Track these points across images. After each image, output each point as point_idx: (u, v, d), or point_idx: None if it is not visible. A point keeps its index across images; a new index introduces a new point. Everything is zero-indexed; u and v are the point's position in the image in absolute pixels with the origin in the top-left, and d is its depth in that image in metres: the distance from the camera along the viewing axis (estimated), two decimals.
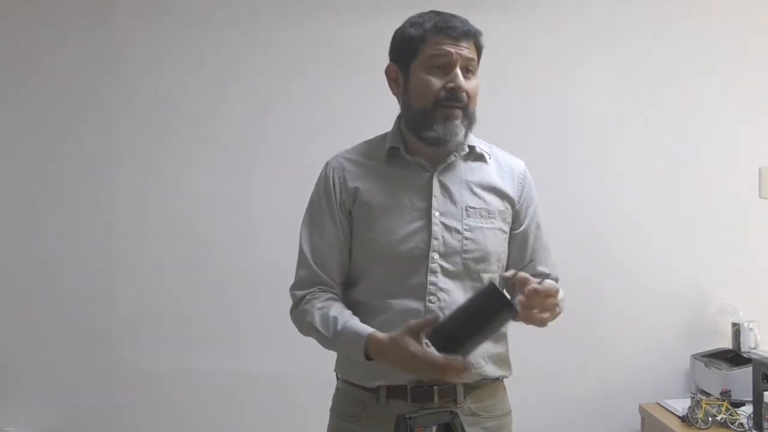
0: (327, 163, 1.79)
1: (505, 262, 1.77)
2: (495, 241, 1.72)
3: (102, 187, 2.92)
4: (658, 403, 2.77)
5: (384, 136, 1.79)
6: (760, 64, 2.96)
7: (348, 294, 1.76)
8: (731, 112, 2.94)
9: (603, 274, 2.90)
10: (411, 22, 1.71)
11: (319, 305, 1.68)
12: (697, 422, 2.48)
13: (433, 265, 1.67)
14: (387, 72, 1.76)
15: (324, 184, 1.76)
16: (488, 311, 1.48)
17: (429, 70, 1.67)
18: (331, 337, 1.64)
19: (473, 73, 1.70)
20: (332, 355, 1.77)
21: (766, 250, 2.93)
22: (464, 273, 1.68)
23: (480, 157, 1.78)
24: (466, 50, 1.67)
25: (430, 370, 1.51)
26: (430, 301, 1.65)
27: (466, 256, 1.69)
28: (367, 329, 1.60)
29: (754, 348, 2.78)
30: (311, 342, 1.72)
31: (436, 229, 1.69)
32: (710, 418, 2.47)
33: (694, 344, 2.87)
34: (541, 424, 2.80)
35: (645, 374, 2.88)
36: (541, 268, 1.79)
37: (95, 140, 2.93)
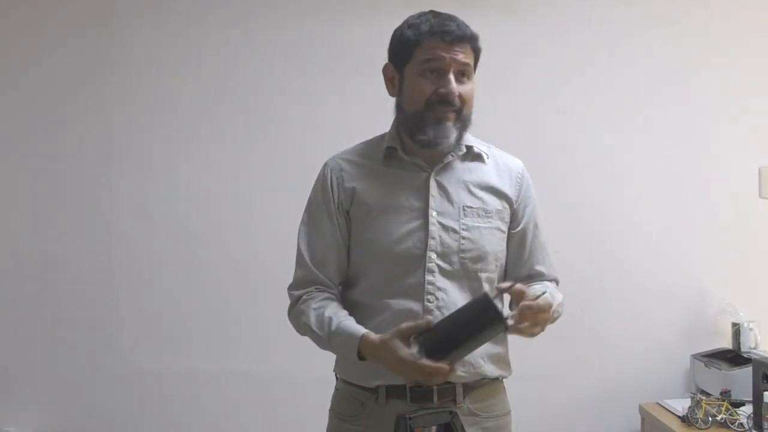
0: (325, 164, 1.79)
1: (503, 261, 1.77)
2: (493, 241, 1.73)
3: (102, 187, 2.93)
4: (658, 403, 2.77)
5: (382, 137, 1.79)
6: (760, 64, 2.95)
7: (346, 294, 1.76)
8: (731, 112, 2.94)
9: (603, 274, 2.90)
10: (408, 24, 1.71)
11: (315, 305, 1.69)
12: (697, 422, 2.48)
13: (430, 265, 1.67)
14: (384, 71, 1.76)
15: (322, 185, 1.76)
16: (478, 323, 1.48)
17: (422, 74, 1.67)
18: (326, 338, 1.65)
19: (468, 77, 1.69)
20: (332, 356, 1.77)
21: (766, 250, 2.93)
22: (462, 272, 1.69)
23: (478, 157, 1.78)
24: (461, 55, 1.66)
25: (416, 374, 1.52)
26: (428, 301, 1.66)
27: (463, 255, 1.69)
28: (360, 330, 1.61)
29: (754, 348, 2.78)
30: (311, 342, 1.73)
31: (434, 228, 1.69)
32: (710, 418, 2.47)
33: (694, 344, 2.87)
34: (541, 424, 2.80)
35: (645, 374, 2.88)
36: (538, 268, 1.79)
37: (95, 140, 2.93)
